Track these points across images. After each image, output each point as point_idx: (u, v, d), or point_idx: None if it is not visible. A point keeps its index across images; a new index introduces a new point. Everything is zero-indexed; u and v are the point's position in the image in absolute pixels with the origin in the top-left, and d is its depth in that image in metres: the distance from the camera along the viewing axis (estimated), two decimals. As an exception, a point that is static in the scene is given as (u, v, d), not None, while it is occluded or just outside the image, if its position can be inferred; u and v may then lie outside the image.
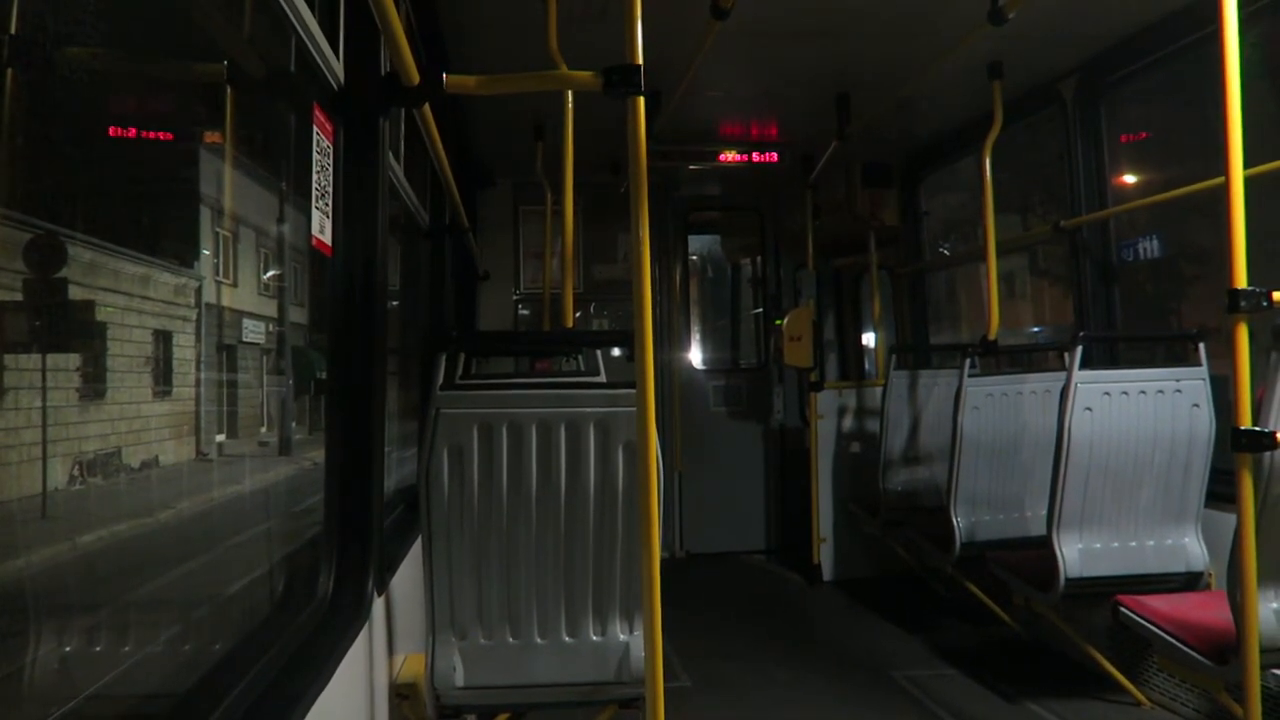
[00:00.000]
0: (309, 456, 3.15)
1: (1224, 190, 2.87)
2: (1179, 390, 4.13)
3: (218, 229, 2.51)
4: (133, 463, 2.01)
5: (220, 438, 2.51)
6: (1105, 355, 5.19)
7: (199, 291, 2.32)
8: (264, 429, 2.95)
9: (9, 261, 1.46)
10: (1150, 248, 5.40)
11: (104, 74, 1.66)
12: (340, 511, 2.58)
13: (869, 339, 8.12)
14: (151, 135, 2.04)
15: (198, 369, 2.38)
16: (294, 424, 3.12)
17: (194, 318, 2.29)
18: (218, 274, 2.53)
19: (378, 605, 2.65)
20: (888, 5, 4.48)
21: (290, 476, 3.10)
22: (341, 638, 2.29)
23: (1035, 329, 8.06)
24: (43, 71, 1.39)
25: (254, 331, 2.81)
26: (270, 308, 2.98)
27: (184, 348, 2.30)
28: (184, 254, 2.35)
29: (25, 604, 1.54)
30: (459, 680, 2.74)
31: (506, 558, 2.75)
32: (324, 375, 3.13)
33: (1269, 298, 2.81)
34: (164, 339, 2.17)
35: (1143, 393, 4.12)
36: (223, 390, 2.62)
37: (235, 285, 2.65)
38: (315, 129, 2.47)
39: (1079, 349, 4.11)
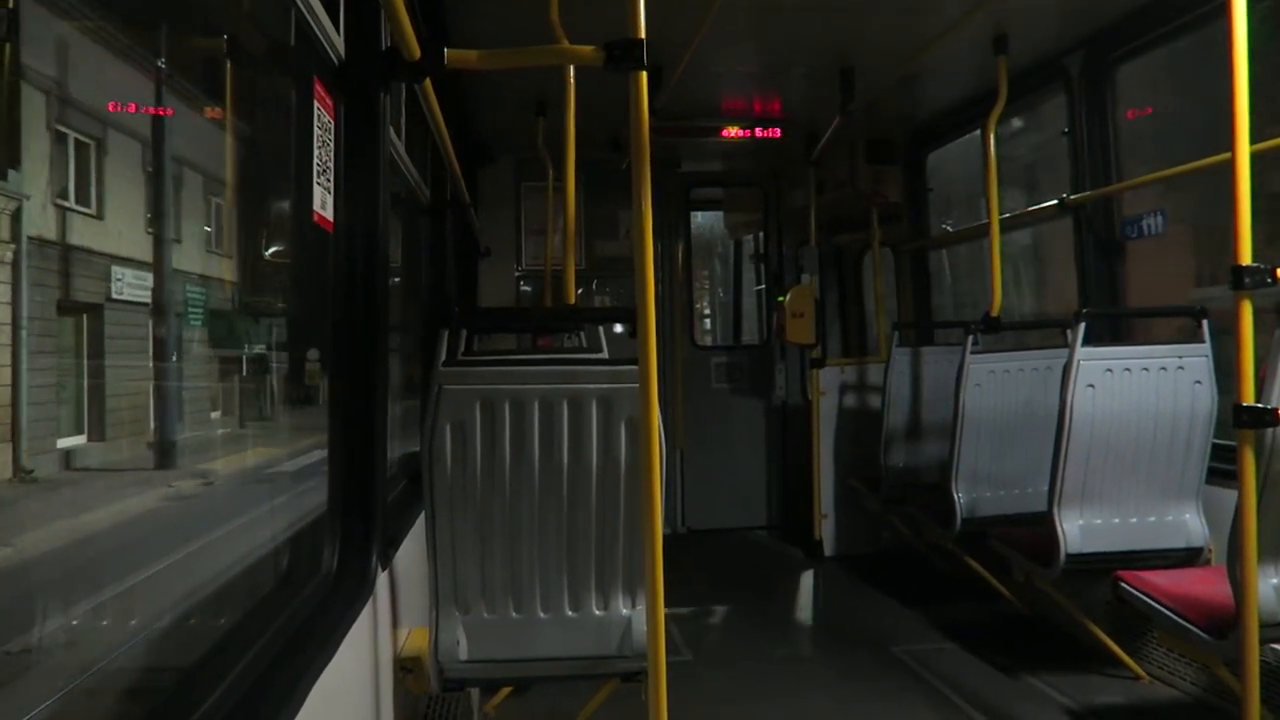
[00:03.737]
0: (207, 468, 2.24)
1: (1230, 166, 2.85)
2: (1181, 367, 4.13)
3: (61, 127, 1.44)
4: None
5: (76, 441, 1.58)
6: (1109, 332, 5.18)
7: (17, 217, 1.35)
8: (155, 424, 1.94)
9: None
10: (1155, 224, 5.36)
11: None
12: (344, 487, 2.59)
13: (871, 315, 8.11)
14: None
15: (15, 339, 1.46)
16: (217, 415, 2.23)
17: (7, 259, 1.36)
18: (63, 196, 1.44)
19: (382, 580, 2.67)
20: None
21: (139, 516, 1.89)
22: (346, 611, 2.31)
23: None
24: None
25: (135, 286, 1.81)
26: (175, 255, 1.79)
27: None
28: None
29: None
30: (462, 654, 2.76)
31: (509, 533, 2.77)
32: (260, 349, 2.64)
33: (1273, 274, 2.81)
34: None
35: (1145, 369, 4.12)
36: (83, 371, 1.62)
37: (100, 217, 1.62)
38: (316, 104, 2.46)
39: (1081, 325, 4.10)
